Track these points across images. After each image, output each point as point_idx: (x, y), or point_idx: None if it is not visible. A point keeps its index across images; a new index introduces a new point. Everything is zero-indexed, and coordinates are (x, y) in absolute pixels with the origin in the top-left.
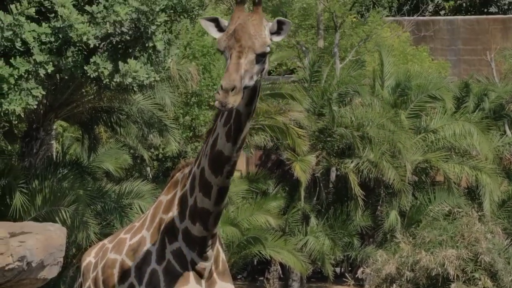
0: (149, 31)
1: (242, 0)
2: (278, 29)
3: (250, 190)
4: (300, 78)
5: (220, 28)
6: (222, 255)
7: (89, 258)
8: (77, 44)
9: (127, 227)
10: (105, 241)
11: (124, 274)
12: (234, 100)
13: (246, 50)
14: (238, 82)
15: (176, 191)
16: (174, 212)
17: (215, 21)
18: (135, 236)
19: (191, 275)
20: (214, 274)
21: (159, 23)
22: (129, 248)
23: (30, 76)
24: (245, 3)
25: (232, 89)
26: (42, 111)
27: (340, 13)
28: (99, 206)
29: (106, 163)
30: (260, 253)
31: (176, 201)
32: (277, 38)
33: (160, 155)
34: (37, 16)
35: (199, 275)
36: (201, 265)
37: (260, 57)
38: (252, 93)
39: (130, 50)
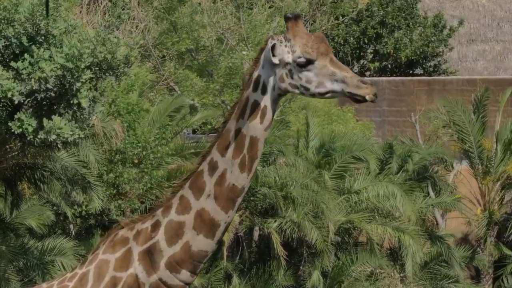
0: (74, 88)
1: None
2: None
3: None
4: None
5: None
6: None
7: None
8: (2, 100)
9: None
10: None
11: None
12: None
13: None
14: None
15: (128, 248)
16: (136, 268)
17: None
18: None
19: None
20: None
21: (84, 80)
22: None
23: None
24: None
25: None
26: None
27: None
28: (21, 262)
29: (29, 220)
30: None
31: (135, 257)
32: None
33: (83, 212)
34: None
35: None
36: None
37: None
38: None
39: (55, 107)
